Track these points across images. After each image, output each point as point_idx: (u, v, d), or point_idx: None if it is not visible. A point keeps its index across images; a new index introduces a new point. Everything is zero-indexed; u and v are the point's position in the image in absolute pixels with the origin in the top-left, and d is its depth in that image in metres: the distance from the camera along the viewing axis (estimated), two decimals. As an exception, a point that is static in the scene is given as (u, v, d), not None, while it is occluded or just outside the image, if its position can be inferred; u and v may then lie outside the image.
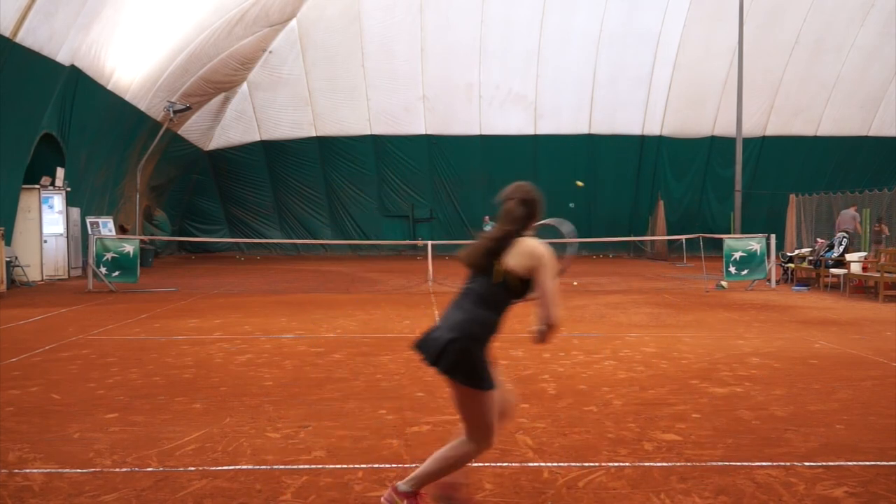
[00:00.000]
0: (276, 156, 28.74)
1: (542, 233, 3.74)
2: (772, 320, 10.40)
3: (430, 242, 17.38)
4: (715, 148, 28.85)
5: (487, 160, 28.85)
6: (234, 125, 28.15)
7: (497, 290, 3.37)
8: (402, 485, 3.42)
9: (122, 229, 21.31)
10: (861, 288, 14.20)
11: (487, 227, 25.70)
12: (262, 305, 12.19)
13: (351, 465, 4.22)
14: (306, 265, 22.94)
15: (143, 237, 19.77)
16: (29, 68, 14.46)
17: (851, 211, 20.03)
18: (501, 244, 3.38)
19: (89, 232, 17.43)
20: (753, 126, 27.83)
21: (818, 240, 17.19)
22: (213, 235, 28.89)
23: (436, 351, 3.26)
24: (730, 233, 22.12)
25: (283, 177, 29.07)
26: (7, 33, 13.29)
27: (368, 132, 28.44)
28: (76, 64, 16.39)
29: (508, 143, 28.49)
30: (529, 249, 3.36)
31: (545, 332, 3.49)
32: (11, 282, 14.65)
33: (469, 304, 3.36)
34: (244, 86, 27.19)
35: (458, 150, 28.79)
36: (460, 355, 3.23)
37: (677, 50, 26.81)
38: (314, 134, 28.47)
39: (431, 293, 14.23)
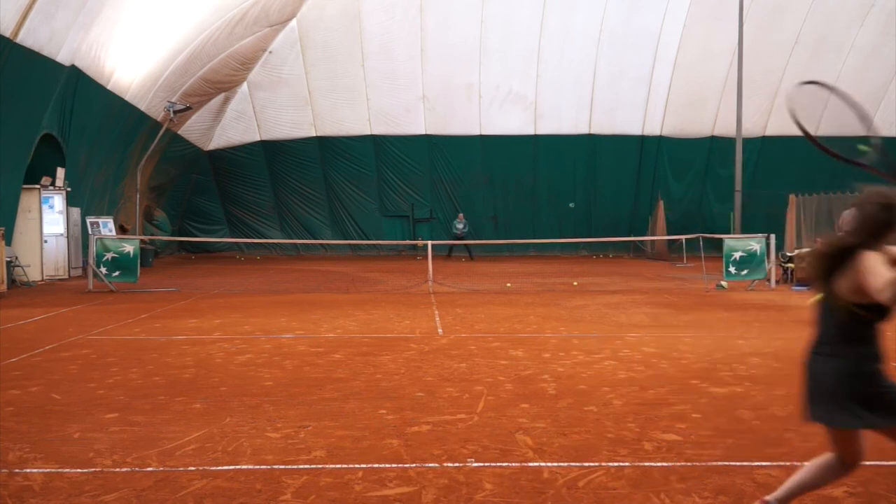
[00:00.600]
0: (276, 156, 28.74)
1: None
2: (772, 320, 10.40)
3: (430, 242, 17.38)
4: (715, 148, 28.84)
5: (487, 160, 28.86)
6: (234, 125, 28.15)
7: (851, 322, 2.95)
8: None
9: (122, 229, 21.31)
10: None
11: (461, 225, 25.76)
12: (262, 305, 12.19)
13: (351, 465, 4.22)
14: (306, 265, 22.94)
15: (143, 237, 19.77)
16: (29, 68, 14.46)
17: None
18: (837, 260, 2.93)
19: (89, 232, 17.43)
20: (753, 126, 27.81)
21: (818, 240, 17.18)
22: (213, 235, 28.89)
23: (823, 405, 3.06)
24: (730, 233, 22.10)
25: (283, 177, 29.06)
26: (7, 33, 13.29)
27: (368, 132, 28.44)
28: (76, 64, 16.39)
29: (508, 143, 28.48)
30: (863, 265, 2.88)
31: None
32: (12, 282, 14.65)
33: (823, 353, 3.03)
34: (244, 86, 27.19)
35: (458, 150, 28.79)
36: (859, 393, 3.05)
37: (677, 50, 26.80)
38: (314, 134, 28.46)
39: (431, 293, 14.23)
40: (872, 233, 2.93)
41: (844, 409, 3.00)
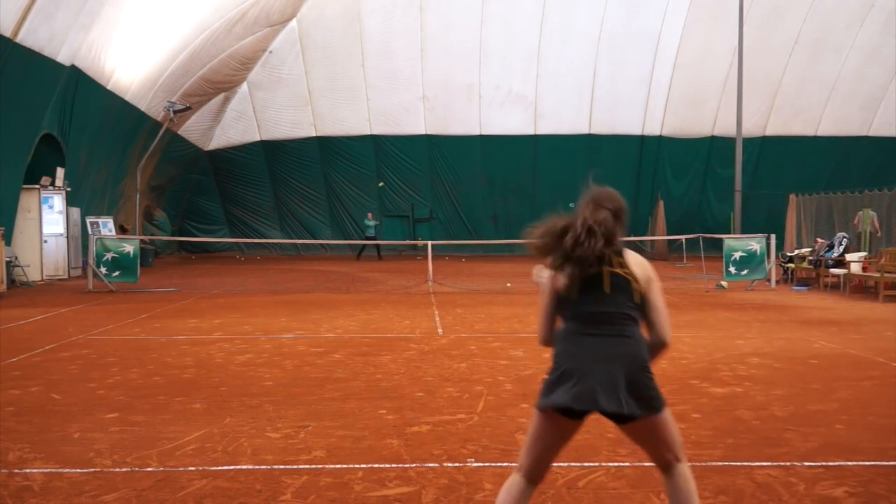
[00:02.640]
0: (276, 156, 28.74)
1: None
2: (772, 320, 10.40)
3: (429, 242, 17.38)
4: (715, 148, 28.85)
5: (487, 160, 28.86)
6: (234, 125, 28.15)
7: (637, 310, 2.90)
8: None
9: (122, 229, 21.31)
10: (861, 288, 14.20)
11: (371, 224, 25.59)
12: (262, 305, 12.19)
13: (351, 465, 4.22)
14: (306, 265, 22.94)
15: (143, 237, 19.78)
16: (29, 68, 14.46)
17: (870, 212, 19.94)
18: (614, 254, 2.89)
19: (89, 232, 17.43)
20: (753, 126, 27.82)
21: (818, 240, 17.19)
22: (213, 235, 28.89)
23: (633, 393, 2.76)
24: (730, 233, 22.11)
25: (283, 177, 29.06)
26: (7, 33, 13.29)
27: (368, 132, 28.45)
28: (76, 64, 16.39)
29: (508, 143, 28.49)
30: (642, 262, 2.98)
31: (658, 353, 3.00)
32: (11, 282, 14.65)
33: (619, 329, 2.85)
34: (244, 86, 27.19)
35: (457, 150, 28.79)
36: (650, 388, 2.80)
37: (677, 50, 26.81)
38: (314, 134, 28.47)
39: (431, 293, 14.23)
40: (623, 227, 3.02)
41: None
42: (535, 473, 2.95)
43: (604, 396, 2.73)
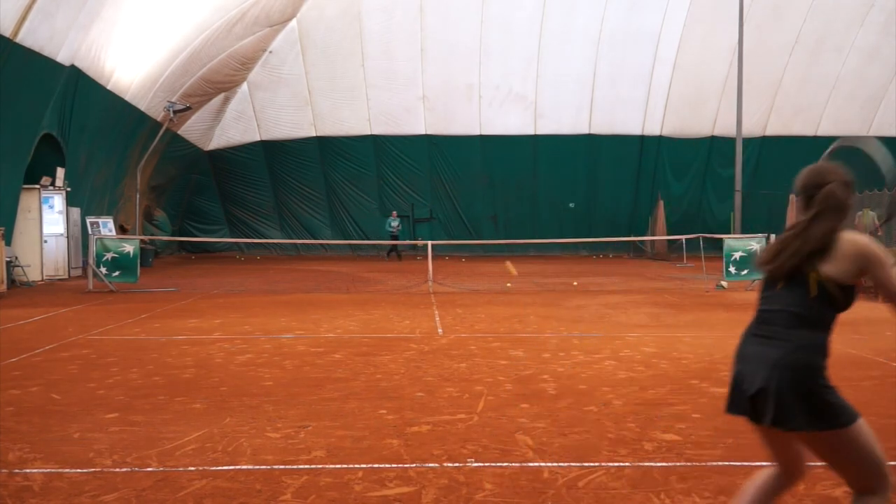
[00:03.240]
0: (276, 156, 28.75)
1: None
2: (772, 320, 10.38)
3: (429, 242, 17.38)
4: (715, 148, 28.86)
5: (487, 160, 28.87)
6: (234, 125, 28.16)
7: (816, 305, 2.69)
8: None
9: (122, 229, 21.31)
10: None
11: (395, 223, 25.50)
12: (262, 305, 12.19)
13: (351, 465, 4.22)
14: (306, 265, 22.94)
15: (143, 237, 19.78)
16: (29, 68, 14.46)
17: (869, 212, 19.99)
18: (819, 244, 2.63)
19: (89, 232, 17.42)
20: (753, 126, 27.83)
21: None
22: (213, 235, 28.90)
23: (783, 403, 2.57)
24: (730, 233, 22.11)
25: (283, 177, 29.07)
26: (7, 33, 13.29)
27: (368, 132, 28.46)
28: (76, 64, 16.39)
29: (508, 143, 28.50)
30: (855, 249, 2.63)
31: None
32: (11, 282, 14.65)
33: (784, 328, 2.72)
34: (244, 86, 27.19)
35: (458, 150, 28.80)
36: (813, 398, 2.60)
37: (677, 50, 26.82)
38: (314, 134, 28.48)
39: (431, 293, 14.23)
40: (843, 211, 2.67)
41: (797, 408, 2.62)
42: (784, 469, 2.81)
43: (759, 405, 2.66)
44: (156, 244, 24.10)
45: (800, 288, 2.64)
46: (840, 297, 2.66)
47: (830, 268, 2.61)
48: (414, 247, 27.35)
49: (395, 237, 25.27)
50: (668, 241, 24.34)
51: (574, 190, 29.39)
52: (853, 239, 2.63)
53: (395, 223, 25.49)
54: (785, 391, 2.56)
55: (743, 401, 2.65)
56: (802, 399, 2.56)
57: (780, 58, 27.19)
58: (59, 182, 16.87)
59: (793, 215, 22.60)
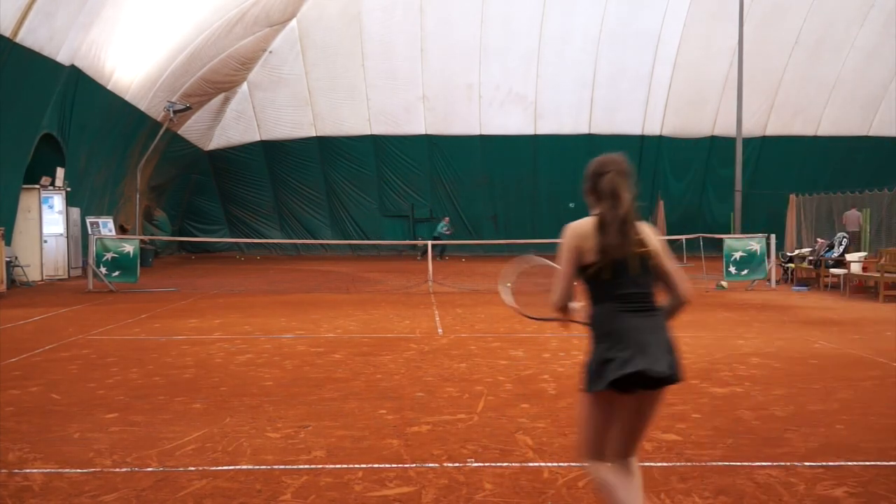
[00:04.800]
0: (276, 156, 28.75)
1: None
2: (772, 320, 10.39)
3: (429, 242, 17.38)
4: (715, 148, 28.85)
5: (487, 160, 28.86)
6: (234, 125, 28.16)
7: (653, 284, 2.98)
8: None
9: (122, 229, 21.31)
10: (861, 288, 14.20)
11: (445, 229, 25.43)
12: (262, 305, 12.19)
13: (351, 465, 4.22)
14: (306, 265, 22.94)
15: (143, 237, 19.77)
16: (29, 68, 14.46)
17: (855, 211, 20.06)
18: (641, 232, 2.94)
19: (89, 232, 17.42)
20: (753, 126, 27.82)
21: (818, 240, 17.19)
22: (213, 235, 28.89)
23: (671, 372, 2.88)
24: (730, 233, 22.11)
25: (283, 177, 29.06)
26: (7, 33, 13.29)
27: (368, 132, 28.45)
28: (76, 64, 16.39)
29: (508, 143, 28.49)
30: (654, 234, 3.01)
31: (679, 312, 3.06)
32: (11, 282, 14.65)
33: (653, 305, 2.96)
34: (244, 86, 27.19)
35: (458, 150, 28.80)
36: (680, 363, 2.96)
37: (677, 50, 26.81)
38: (314, 134, 28.48)
39: (431, 293, 14.23)
40: (619, 198, 2.93)
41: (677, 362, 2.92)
42: (621, 450, 3.01)
43: (656, 362, 2.85)
44: (156, 244, 24.10)
45: (649, 271, 2.96)
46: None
47: (657, 254, 3.00)
48: (414, 247, 27.22)
49: (437, 238, 25.24)
50: (668, 241, 24.34)
51: (574, 190, 29.33)
52: (646, 225, 3.00)
53: (445, 228, 25.45)
54: (677, 357, 2.91)
55: (654, 374, 2.84)
56: (679, 360, 2.93)
57: (780, 58, 27.18)
58: (59, 182, 16.87)
59: (793, 215, 22.64)
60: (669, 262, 3.02)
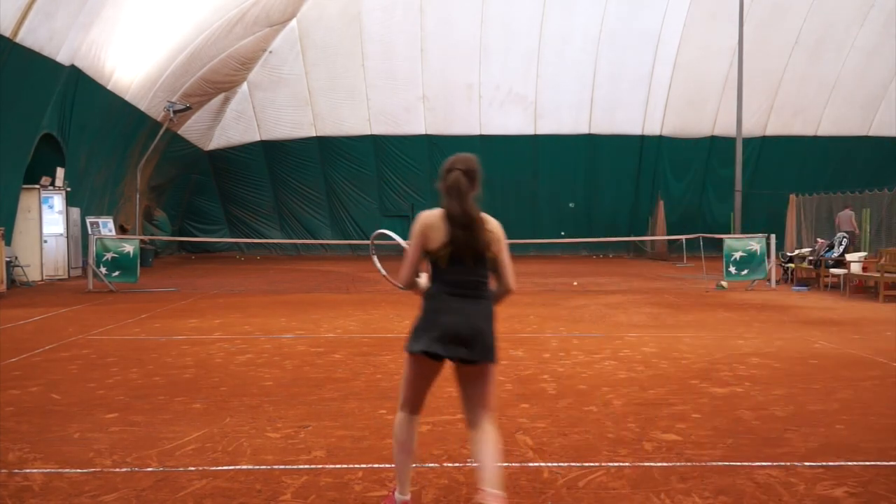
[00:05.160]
0: (276, 156, 28.75)
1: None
2: (772, 320, 10.40)
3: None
4: (715, 148, 28.86)
5: (487, 160, 28.26)
6: (234, 125, 28.16)
7: (487, 273, 3.46)
8: (490, 490, 3.30)
9: (122, 229, 21.31)
10: (861, 288, 14.20)
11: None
12: (262, 305, 12.19)
13: (351, 465, 4.22)
14: (306, 265, 22.94)
15: (143, 237, 19.77)
16: (29, 68, 14.46)
17: (849, 211, 20.07)
18: (482, 226, 3.36)
19: (89, 232, 17.42)
20: (753, 126, 27.83)
21: (818, 240, 17.19)
22: (213, 235, 28.89)
23: (478, 345, 3.33)
24: (730, 233, 22.11)
25: (283, 177, 29.07)
26: (7, 33, 13.29)
27: (368, 132, 28.45)
28: (76, 64, 16.39)
29: (508, 143, 28.49)
30: (498, 228, 3.43)
31: (503, 298, 3.53)
32: (11, 282, 14.66)
33: (480, 291, 3.41)
34: (244, 86, 27.19)
35: (457, 150, 28.46)
36: (494, 342, 3.40)
37: (677, 50, 26.81)
38: (314, 134, 28.48)
39: (431, 293, 14.21)
40: (465, 195, 3.32)
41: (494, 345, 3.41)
42: (416, 407, 3.55)
43: (465, 343, 3.31)
44: (156, 244, 24.10)
45: (483, 260, 3.39)
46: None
47: (494, 247, 3.42)
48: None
49: None
50: (668, 241, 24.34)
51: (574, 190, 29.40)
52: (493, 220, 3.43)
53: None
54: (486, 334, 3.35)
55: (452, 343, 3.31)
56: (493, 338, 3.38)
57: (780, 58, 27.19)
58: (59, 182, 16.87)
59: (792, 215, 22.64)
60: (505, 256, 3.43)
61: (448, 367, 3.49)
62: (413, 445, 3.56)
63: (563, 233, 28.54)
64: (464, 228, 3.32)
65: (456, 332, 3.32)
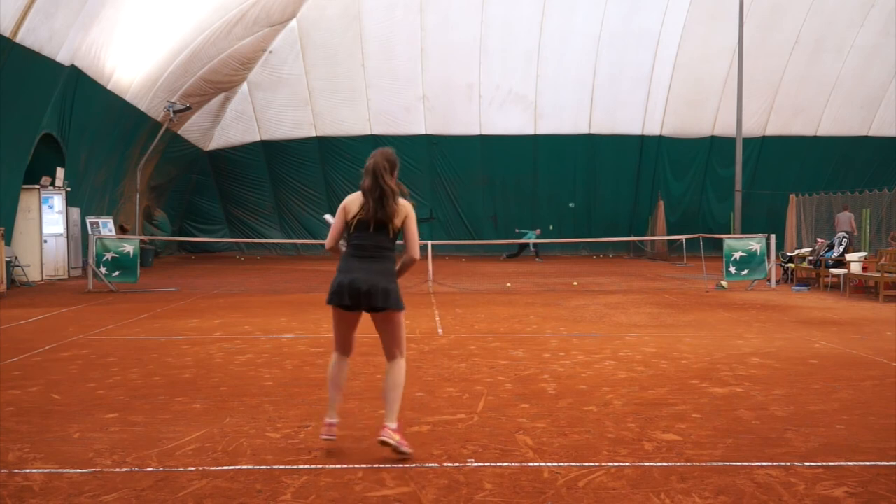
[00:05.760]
0: (276, 156, 28.75)
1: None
2: (772, 320, 10.40)
3: (429, 242, 17.36)
4: (715, 148, 28.86)
5: (487, 160, 28.87)
6: (234, 125, 28.16)
7: (391, 241, 4.37)
8: (391, 423, 4.30)
9: (122, 229, 21.31)
10: (861, 288, 14.20)
11: (532, 236, 25.31)
12: (262, 305, 12.19)
13: (351, 465, 4.22)
14: (306, 265, 22.95)
15: (143, 237, 19.77)
16: (29, 68, 14.46)
17: (847, 213, 20.09)
18: (391, 198, 4.27)
19: (89, 232, 17.43)
20: (753, 126, 27.84)
21: (818, 240, 17.19)
22: (213, 235, 28.90)
23: (378, 296, 4.29)
24: (730, 233, 22.12)
25: (283, 177, 29.08)
26: (7, 33, 13.28)
27: (368, 132, 28.45)
28: (76, 64, 16.39)
29: (508, 143, 28.50)
30: (407, 205, 4.36)
31: (406, 267, 4.45)
32: (11, 282, 14.66)
33: (380, 253, 4.34)
34: (244, 86, 27.19)
35: (458, 150, 28.80)
36: (395, 293, 4.35)
37: (677, 50, 26.82)
38: (314, 134, 28.48)
39: (431, 293, 14.23)
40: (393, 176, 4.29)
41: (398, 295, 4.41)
42: (345, 349, 4.59)
43: (366, 295, 4.29)
44: (156, 244, 24.10)
45: (386, 231, 4.32)
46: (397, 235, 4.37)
47: (397, 220, 4.34)
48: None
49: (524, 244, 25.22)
50: (668, 241, 24.35)
51: (574, 190, 29.40)
52: (404, 203, 4.34)
53: (532, 236, 25.29)
54: (383, 286, 4.28)
55: (354, 295, 4.27)
56: (389, 291, 4.31)
57: (780, 58, 27.19)
58: (59, 182, 16.87)
59: (792, 215, 22.65)
60: (411, 230, 4.33)
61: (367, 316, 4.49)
62: (342, 381, 4.55)
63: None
64: (375, 200, 4.24)
65: (357, 286, 4.24)
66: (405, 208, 4.30)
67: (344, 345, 4.53)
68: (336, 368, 4.52)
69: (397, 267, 4.44)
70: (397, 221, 4.28)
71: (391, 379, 4.43)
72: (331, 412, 4.46)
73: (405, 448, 4.30)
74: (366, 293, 4.23)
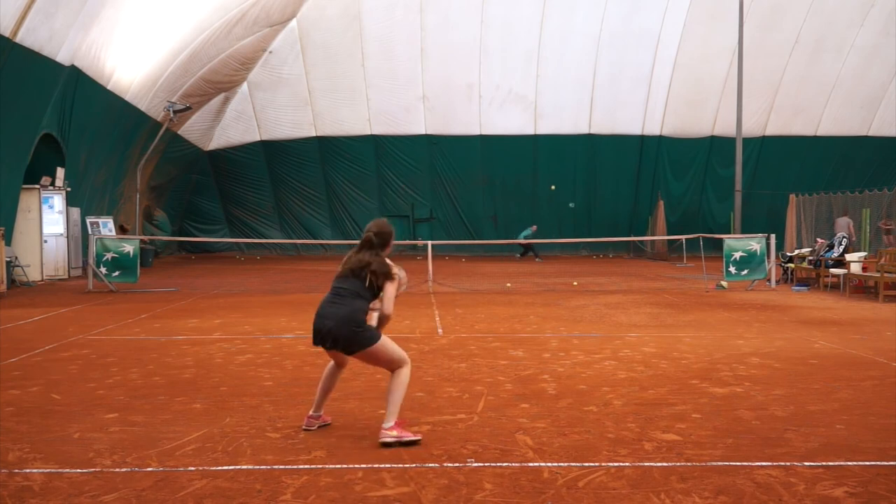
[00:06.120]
0: (276, 156, 28.75)
1: None
2: (772, 320, 10.40)
3: (429, 242, 17.36)
4: (715, 148, 28.86)
5: (487, 160, 28.87)
6: (234, 125, 28.16)
7: (358, 286, 4.72)
8: (386, 424, 4.57)
9: (122, 229, 21.31)
10: (861, 288, 14.20)
11: (529, 233, 25.31)
12: (262, 305, 12.19)
13: (351, 465, 4.22)
14: (306, 265, 22.95)
15: (143, 237, 19.77)
16: (29, 68, 14.46)
17: (846, 218, 20.09)
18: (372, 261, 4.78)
19: (89, 232, 17.42)
20: (753, 126, 27.84)
21: (818, 240, 17.19)
22: (213, 235, 28.90)
23: (341, 342, 4.61)
24: (730, 233, 22.12)
25: (283, 177, 29.08)
26: (7, 33, 13.28)
27: (368, 132, 28.46)
28: (76, 64, 16.39)
29: (508, 143, 28.50)
30: (385, 265, 4.77)
31: (384, 320, 4.74)
32: (11, 282, 14.65)
33: (344, 300, 4.67)
34: (244, 86, 27.19)
35: (458, 150, 28.81)
36: (357, 337, 4.60)
37: (677, 50, 26.82)
38: (314, 134, 28.48)
39: (431, 293, 14.23)
40: (375, 248, 4.82)
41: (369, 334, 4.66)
42: (337, 365, 4.95)
43: (325, 340, 4.64)
44: (156, 244, 24.10)
45: (360, 279, 4.70)
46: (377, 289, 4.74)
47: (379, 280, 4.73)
48: (414, 247, 27.21)
49: (526, 244, 25.18)
50: (668, 241, 24.35)
51: (574, 190, 29.40)
52: (385, 261, 4.77)
53: (529, 233, 25.27)
54: (339, 333, 4.58)
55: (326, 339, 4.61)
56: (353, 335, 4.57)
57: (780, 58, 27.19)
58: (59, 182, 16.87)
59: (792, 215, 22.65)
60: (387, 287, 4.69)
61: None
62: (331, 386, 4.95)
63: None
64: (354, 258, 4.80)
65: (318, 329, 4.65)
66: (383, 267, 4.73)
67: (336, 362, 4.94)
68: (329, 373, 4.94)
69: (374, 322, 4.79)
70: (373, 278, 4.70)
71: (393, 381, 4.65)
72: (315, 406, 4.93)
73: (409, 437, 4.52)
74: (327, 337, 4.62)
